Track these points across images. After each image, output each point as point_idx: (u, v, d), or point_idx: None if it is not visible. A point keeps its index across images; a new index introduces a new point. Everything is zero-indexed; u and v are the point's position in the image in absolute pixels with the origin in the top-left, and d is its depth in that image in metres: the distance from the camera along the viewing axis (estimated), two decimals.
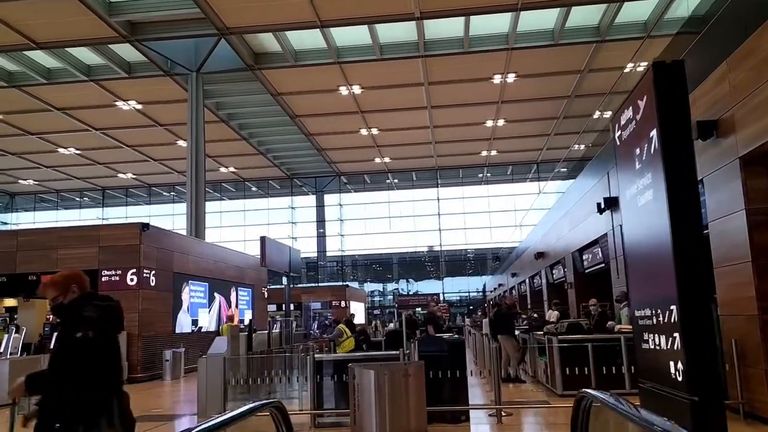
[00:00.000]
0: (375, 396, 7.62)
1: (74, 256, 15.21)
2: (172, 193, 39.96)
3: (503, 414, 8.27)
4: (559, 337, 10.23)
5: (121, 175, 37.12)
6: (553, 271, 19.16)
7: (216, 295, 19.05)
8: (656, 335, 3.75)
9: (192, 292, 17.58)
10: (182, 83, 24.16)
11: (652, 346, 3.83)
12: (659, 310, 3.68)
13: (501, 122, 30.45)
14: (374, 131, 31.10)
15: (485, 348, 11.82)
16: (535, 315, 17.05)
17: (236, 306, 20.07)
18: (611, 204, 12.24)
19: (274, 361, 9.40)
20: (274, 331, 10.93)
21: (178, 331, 16.63)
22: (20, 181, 36.88)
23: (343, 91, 25.77)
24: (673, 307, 3.45)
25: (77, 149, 31.60)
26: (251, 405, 2.75)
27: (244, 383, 8.63)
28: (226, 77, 25.03)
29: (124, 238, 15.37)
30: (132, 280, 15.05)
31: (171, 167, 34.46)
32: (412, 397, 7.60)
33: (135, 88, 24.59)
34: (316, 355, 8.31)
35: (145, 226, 15.33)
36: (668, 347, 3.53)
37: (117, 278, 15.14)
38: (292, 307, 23.17)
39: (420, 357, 8.21)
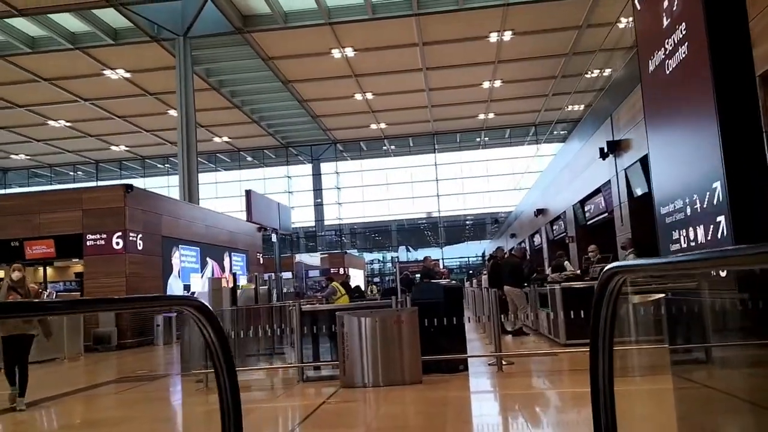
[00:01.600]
0: (366, 344, 7.02)
1: (57, 221, 14.56)
2: (166, 165, 39.15)
3: (504, 363, 7.67)
4: (562, 284, 9.61)
5: (113, 148, 36.28)
6: (554, 227, 18.50)
7: (208, 260, 18.43)
8: (691, 228, 3.08)
9: (183, 257, 16.95)
10: (170, 49, 23.35)
11: (685, 245, 3.17)
12: (695, 196, 3.00)
13: (498, 83, 29.58)
14: (369, 96, 30.24)
15: (484, 300, 11.22)
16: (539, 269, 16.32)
17: (230, 271, 19.46)
18: (615, 148, 11.53)
19: (262, 315, 8.81)
20: (262, 287, 10.33)
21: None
22: (12, 156, 36.05)
23: (336, 54, 24.93)
24: (716, 184, 2.76)
25: (68, 121, 30.77)
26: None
27: (229, 338, 8.04)
28: (215, 42, 24.16)
29: (108, 200, 14.69)
30: (118, 243, 14.41)
31: (164, 138, 33.63)
32: (406, 346, 7.01)
33: (122, 55, 23.78)
34: (303, 307, 7.69)
35: (129, 188, 14.64)
36: (708, 238, 2.86)
37: (102, 242, 14.50)
38: (279, 266, 22.33)
39: (414, 305, 7.60)
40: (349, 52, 24.80)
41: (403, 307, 7.53)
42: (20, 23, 21.36)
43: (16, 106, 27.83)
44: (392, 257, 41.78)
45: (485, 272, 16.05)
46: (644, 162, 10.62)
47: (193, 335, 8.11)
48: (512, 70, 27.95)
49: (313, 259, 31.67)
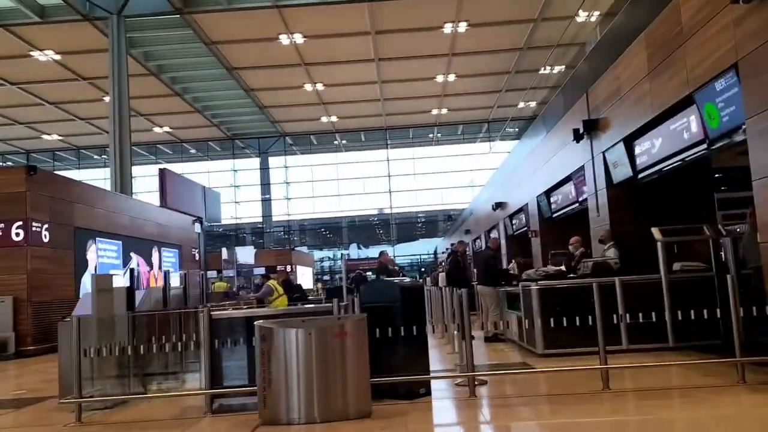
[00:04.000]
0: (296, 365, 5.06)
1: None
2: (103, 156, 36.04)
3: (475, 383, 5.77)
4: (539, 282, 7.80)
5: (45, 137, 33.11)
6: (513, 222, 16.84)
7: (132, 255, 16.00)
8: None
9: (100, 251, 14.52)
10: (103, 29, 20.88)
11: None
12: None
13: (452, 77, 27.98)
14: (319, 87, 28.20)
15: (445, 301, 9.34)
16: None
17: (159, 268, 17.05)
18: (591, 127, 9.83)
19: (172, 323, 6.75)
20: (174, 286, 8.24)
21: (83, 295, 13.54)
22: None
23: (284, 40, 22.88)
24: None
25: None
26: None
27: (121, 354, 5.92)
28: (153, 22, 21.84)
29: (7, 184, 12.20)
30: (18, 234, 11.97)
31: (100, 127, 30.73)
32: (351, 366, 5.06)
33: (51, 35, 21.25)
34: (213, 313, 5.61)
35: (32, 169, 12.20)
36: None
37: (1, 233, 12.03)
38: (205, 262, 19.75)
39: (363, 310, 5.66)
40: (299, 38, 22.79)
41: (348, 314, 5.59)
42: None
43: None
44: (342, 254, 39.73)
45: (441, 269, 14.19)
46: (629, 142, 8.96)
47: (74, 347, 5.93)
48: (466, 63, 26.45)
49: (247, 255, 28.97)
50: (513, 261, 13.08)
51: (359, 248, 43.12)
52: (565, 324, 5.73)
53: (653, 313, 5.71)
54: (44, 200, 12.69)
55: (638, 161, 8.69)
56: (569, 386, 5.76)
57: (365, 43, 23.60)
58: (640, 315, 5.82)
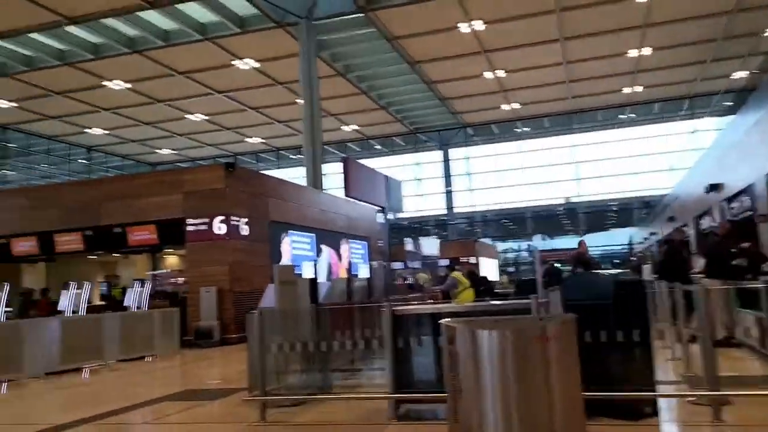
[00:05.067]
0: (490, 373, 4.24)
1: (158, 205, 12.98)
2: (299, 156, 38.14)
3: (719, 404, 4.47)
4: None
5: (248, 140, 35.84)
6: (732, 206, 14.31)
7: (324, 247, 16.24)
8: None
9: (294, 243, 14.89)
10: (294, 34, 21.80)
11: None
12: None
13: (647, 50, 25.08)
14: (500, 73, 26.97)
15: (660, 296, 7.89)
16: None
17: (348, 260, 17.18)
18: None
19: (349, 316, 6.30)
20: (359, 277, 7.84)
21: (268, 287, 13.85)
22: (157, 151, 36.65)
23: (464, 28, 22.14)
24: None
25: (205, 115, 30.44)
26: None
27: (304, 348, 5.55)
28: (338, 24, 22.35)
29: (208, 181, 12.87)
30: (220, 228, 12.55)
31: (295, 128, 32.49)
32: (557, 376, 4.10)
33: (250, 44, 22.66)
34: (397, 308, 4.98)
35: (230, 166, 12.74)
36: None
37: (204, 227, 12.72)
38: (389, 253, 19.35)
39: (567, 308, 4.67)
40: (478, 25, 21.89)
41: (551, 315, 4.64)
42: (153, 17, 20.73)
43: (156, 100, 27.72)
44: (528, 245, 37.93)
45: (650, 261, 12.34)
46: None
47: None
48: (663, 34, 23.53)
49: (431, 246, 28.19)
50: (740, 250, 10.91)
51: (544, 239, 41.00)
52: None
53: None
54: (242, 196, 13.24)
55: None
56: None
57: (549, 22, 22.00)
58: None
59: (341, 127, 33.93)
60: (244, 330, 12.34)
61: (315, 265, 8.33)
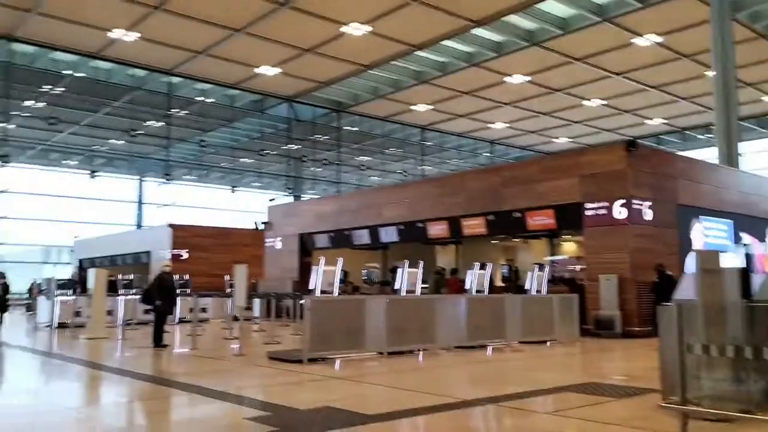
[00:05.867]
0: None
1: (555, 189, 12.76)
2: (707, 135, 33.57)
3: None
4: None
5: (648, 122, 33.11)
6: None
7: (744, 234, 13.70)
8: None
9: (707, 230, 12.92)
10: None
11: None
12: None
13: None
14: None
15: None
16: None
17: None
18: None
19: None
20: None
21: (684, 275, 12.14)
22: (554, 140, 36.84)
23: None
24: None
25: (602, 99, 29.36)
26: None
27: (736, 353, 4.53)
28: None
29: (607, 163, 12.04)
30: (620, 213, 11.67)
31: (703, 104, 28.71)
32: None
33: (652, 19, 20.87)
34: None
35: (632, 145, 11.68)
36: None
37: (604, 211, 12.00)
38: None
39: None
40: None
41: None
42: (551, 6, 20.85)
43: (553, 90, 27.90)
44: None
45: None
46: None
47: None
48: None
49: None
50: None
51: None
52: None
53: None
54: (645, 177, 12.11)
55: None
56: None
57: None
58: None
59: (762, 98, 28.62)
60: (648, 324, 11.33)
61: (747, 254, 6.90)
